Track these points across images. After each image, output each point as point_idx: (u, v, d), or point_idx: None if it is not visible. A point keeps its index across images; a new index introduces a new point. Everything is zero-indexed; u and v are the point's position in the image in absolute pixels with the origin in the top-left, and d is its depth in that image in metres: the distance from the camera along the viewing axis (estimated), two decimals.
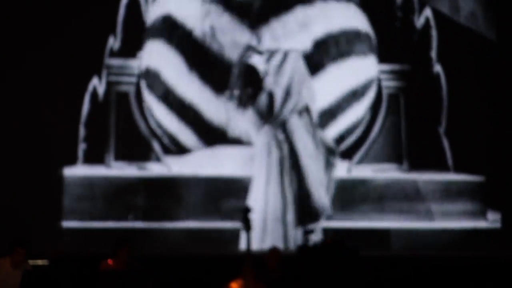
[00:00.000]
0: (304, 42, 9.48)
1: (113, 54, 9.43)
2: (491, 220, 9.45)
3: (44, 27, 9.31)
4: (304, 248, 7.44)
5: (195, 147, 9.40)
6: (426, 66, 9.62)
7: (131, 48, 9.43)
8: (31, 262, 6.99)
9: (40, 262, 7.67)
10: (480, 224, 9.45)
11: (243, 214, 6.60)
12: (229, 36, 9.46)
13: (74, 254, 8.92)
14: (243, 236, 8.81)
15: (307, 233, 7.72)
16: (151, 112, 9.43)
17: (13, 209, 8.92)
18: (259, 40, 9.47)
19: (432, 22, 9.64)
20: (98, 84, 9.37)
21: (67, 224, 9.13)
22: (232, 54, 9.44)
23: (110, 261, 6.60)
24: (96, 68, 9.38)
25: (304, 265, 7.09)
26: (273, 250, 7.91)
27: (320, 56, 9.49)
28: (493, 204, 9.47)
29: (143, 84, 9.43)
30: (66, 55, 9.23)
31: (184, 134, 9.40)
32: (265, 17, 9.51)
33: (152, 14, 9.52)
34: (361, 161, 9.51)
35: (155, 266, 7.31)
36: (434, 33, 9.64)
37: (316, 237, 8.63)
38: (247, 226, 6.54)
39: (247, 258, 6.52)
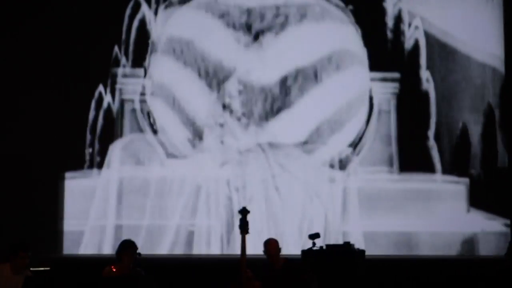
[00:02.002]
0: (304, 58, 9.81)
1: (118, 63, 9.72)
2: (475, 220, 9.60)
3: (51, 38, 9.59)
4: (309, 252, 7.29)
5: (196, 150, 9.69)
6: (416, 73, 9.79)
7: (135, 58, 9.71)
8: (32, 268, 6.60)
9: (41, 268, 7.18)
10: (465, 223, 9.62)
11: (241, 216, 6.49)
12: (230, 44, 9.78)
13: (76, 259, 9.06)
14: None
15: (313, 237, 7.27)
16: (155, 118, 9.68)
17: (18, 215, 9.09)
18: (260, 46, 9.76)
19: (422, 31, 9.81)
20: (103, 92, 9.65)
21: (70, 227, 9.41)
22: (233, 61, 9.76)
23: (112, 267, 6.31)
24: (102, 77, 9.67)
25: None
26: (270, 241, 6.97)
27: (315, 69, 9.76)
28: (476, 204, 9.61)
29: (147, 91, 9.71)
30: (74, 64, 9.53)
31: (184, 138, 9.70)
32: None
33: (156, 32, 9.83)
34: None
35: (157, 270, 7.27)
36: (423, 41, 9.80)
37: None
38: (244, 228, 6.44)
39: (242, 260, 6.41)
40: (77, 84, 9.55)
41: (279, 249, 6.80)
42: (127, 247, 6.40)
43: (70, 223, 9.45)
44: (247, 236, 6.51)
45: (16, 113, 9.44)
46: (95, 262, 7.22)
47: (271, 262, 6.77)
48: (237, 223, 6.71)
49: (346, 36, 9.84)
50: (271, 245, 6.81)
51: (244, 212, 6.52)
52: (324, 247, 7.53)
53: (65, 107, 9.48)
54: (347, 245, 7.64)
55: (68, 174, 9.51)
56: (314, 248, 7.33)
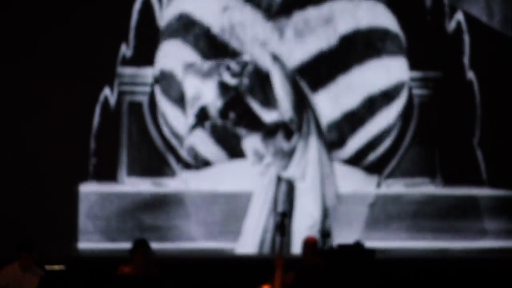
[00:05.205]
0: (330, 38, 9.22)
1: (125, 62, 9.14)
2: None
3: (53, 35, 9.04)
4: (320, 252, 7.25)
5: (215, 159, 9.12)
6: (459, 73, 9.32)
7: (144, 55, 9.14)
8: (47, 267, 7.04)
9: (56, 267, 7.75)
10: None
11: (279, 219, 6.64)
12: (249, 31, 9.18)
13: (91, 258, 8.88)
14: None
15: (324, 236, 7.78)
16: (166, 121, 9.11)
17: (23, 224, 8.76)
18: (281, 34, 9.17)
19: (464, 27, 9.36)
20: (109, 95, 9.10)
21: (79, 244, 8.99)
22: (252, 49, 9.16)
23: (127, 266, 6.45)
24: (108, 78, 9.10)
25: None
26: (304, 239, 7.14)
27: (346, 53, 9.21)
28: None
29: (158, 90, 9.15)
30: (76, 65, 8.97)
31: (203, 144, 9.11)
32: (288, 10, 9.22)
33: (166, 15, 9.21)
34: (391, 175, 9.20)
35: (174, 270, 7.31)
36: (466, 38, 9.34)
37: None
38: (282, 231, 6.56)
39: (278, 262, 6.45)
40: (81, 87, 9.00)
41: (311, 248, 6.89)
42: (139, 246, 6.49)
43: (79, 239, 9.00)
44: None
45: (24, 119, 9.02)
46: (110, 263, 7.15)
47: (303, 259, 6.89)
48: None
49: (385, 25, 9.32)
50: (304, 243, 6.95)
51: (282, 215, 6.71)
52: (335, 247, 7.88)
53: (70, 113, 8.99)
54: (358, 245, 7.87)
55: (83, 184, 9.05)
56: (325, 247, 7.71)
